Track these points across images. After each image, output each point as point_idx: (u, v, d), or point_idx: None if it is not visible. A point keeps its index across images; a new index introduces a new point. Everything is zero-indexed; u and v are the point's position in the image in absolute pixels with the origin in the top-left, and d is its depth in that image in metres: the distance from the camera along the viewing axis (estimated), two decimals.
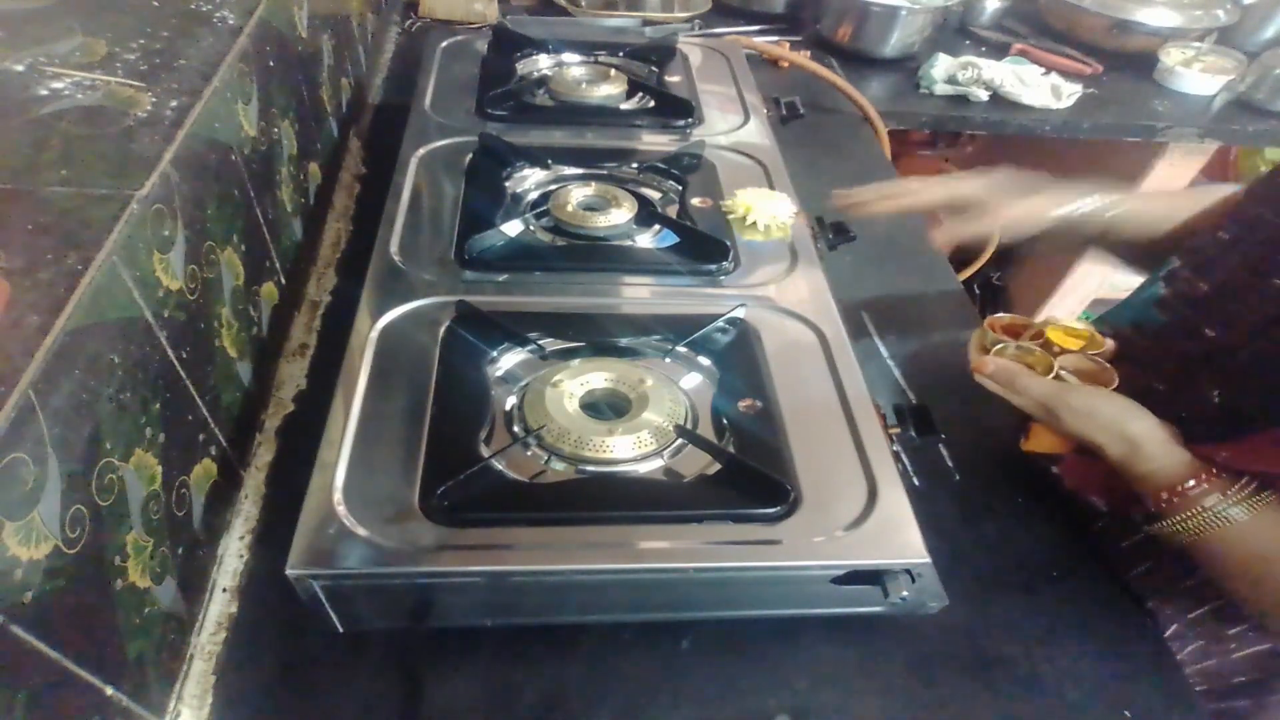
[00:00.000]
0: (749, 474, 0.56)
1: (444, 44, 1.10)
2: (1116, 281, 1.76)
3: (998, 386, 0.62)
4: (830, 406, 0.63)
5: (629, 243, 0.80)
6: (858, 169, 1.14)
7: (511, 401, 0.62)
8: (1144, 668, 0.60)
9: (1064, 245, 0.76)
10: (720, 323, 0.68)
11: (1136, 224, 0.73)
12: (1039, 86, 1.34)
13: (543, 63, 1.10)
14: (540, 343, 0.66)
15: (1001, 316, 0.68)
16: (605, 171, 0.89)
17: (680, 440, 0.59)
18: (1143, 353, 0.65)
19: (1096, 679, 0.59)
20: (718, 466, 0.58)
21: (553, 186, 0.86)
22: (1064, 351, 0.64)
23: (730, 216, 0.82)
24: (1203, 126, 1.37)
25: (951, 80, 1.34)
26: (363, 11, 1.14)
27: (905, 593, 0.53)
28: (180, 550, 0.53)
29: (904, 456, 0.69)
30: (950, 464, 0.73)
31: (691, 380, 0.66)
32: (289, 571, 0.49)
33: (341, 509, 0.52)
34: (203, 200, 0.57)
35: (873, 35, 1.40)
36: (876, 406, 0.63)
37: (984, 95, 1.34)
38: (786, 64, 1.32)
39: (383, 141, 1.03)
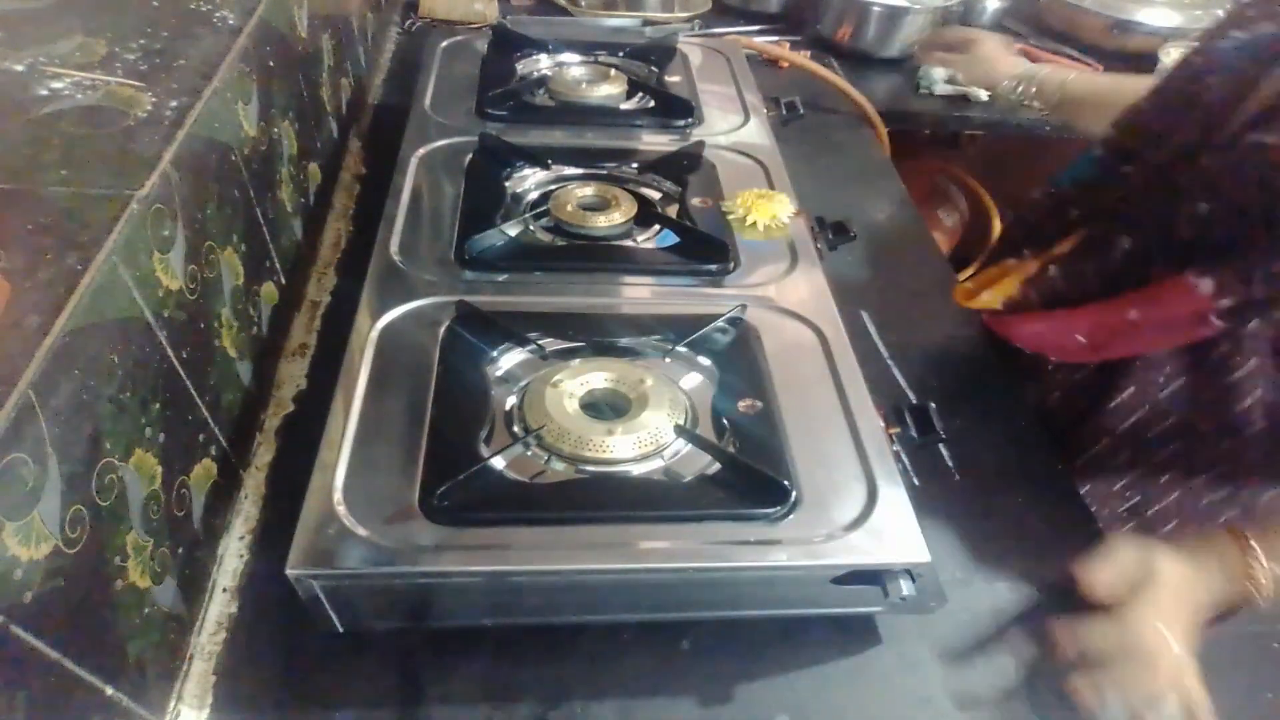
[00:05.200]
0: (749, 474, 0.56)
1: (444, 44, 1.10)
2: None
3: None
4: (830, 406, 0.63)
5: (629, 243, 0.80)
6: (858, 169, 1.14)
7: (511, 401, 0.62)
8: None
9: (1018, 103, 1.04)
10: (720, 323, 0.68)
11: (1089, 96, 0.96)
12: None
13: (543, 63, 1.10)
14: (540, 343, 0.66)
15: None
16: (605, 171, 0.89)
17: (680, 440, 0.59)
18: (1082, 201, 0.77)
19: None
20: (718, 466, 0.57)
21: (553, 186, 0.86)
22: None
23: (730, 216, 0.82)
24: None
25: (952, 80, 1.34)
26: (363, 11, 1.14)
27: (905, 592, 0.53)
28: (180, 550, 0.53)
29: (904, 456, 0.69)
30: (950, 464, 0.73)
31: (691, 380, 0.66)
32: (289, 571, 0.49)
33: (341, 509, 0.52)
34: (203, 200, 0.57)
35: (873, 35, 1.40)
36: (877, 406, 0.63)
37: (984, 95, 1.34)
38: (786, 64, 1.32)
39: (383, 141, 1.02)
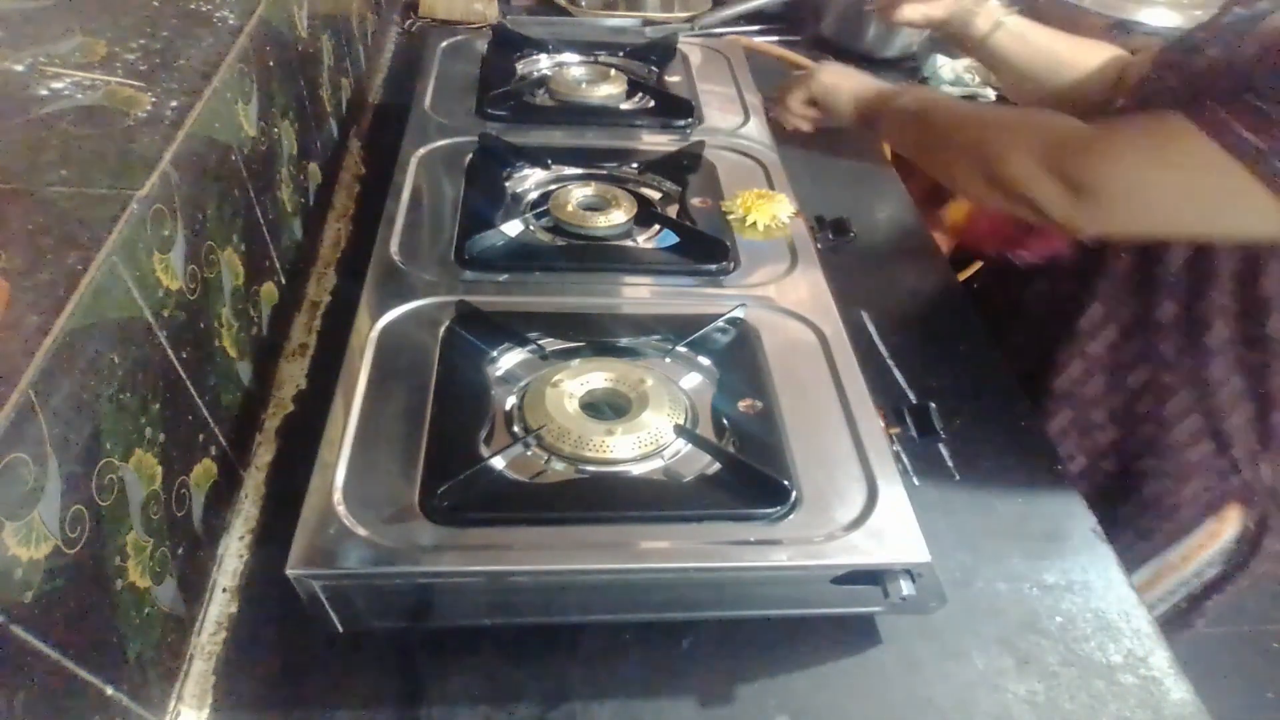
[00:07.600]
0: (749, 474, 0.56)
1: (444, 44, 1.10)
2: None
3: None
4: (830, 406, 0.63)
5: (629, 243, 0.80)
6: (858, 169, 1.14)
7: (511, 401, 0.62)
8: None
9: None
10: (720, 323, 0.68)
11: (1014, 64, 0.94)
12: None
13: (543, 63, 1.10)
14: (540, 343, 0.66)
15: None
16: (605, 171, 0.89)
17: (680, 440, 0.59)
18: None
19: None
20: (718, 466, 0.57)
21: (553, 186, 0.86)
22: None
23: (730, 216, 0.82)
24: None
25: (958, 81, 1.34)
26: (363, 11, 1.14)
27: (905, 592, 0.53)
28: (180, 550, 0.53)
29: (904, 456, 0.69)
30: (950, 464, 0.73)
31: (691, 380, 0.66)
32: (289, 571, 0.49)
33: (341, 509, 0.52)
34: (203, 200, 0.57)
35: (873, 35, 1.40)
36: (877, 406, 0.63)
37: (991, 95, 1.34)
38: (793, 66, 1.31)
39: (383, 141, 1.03)
